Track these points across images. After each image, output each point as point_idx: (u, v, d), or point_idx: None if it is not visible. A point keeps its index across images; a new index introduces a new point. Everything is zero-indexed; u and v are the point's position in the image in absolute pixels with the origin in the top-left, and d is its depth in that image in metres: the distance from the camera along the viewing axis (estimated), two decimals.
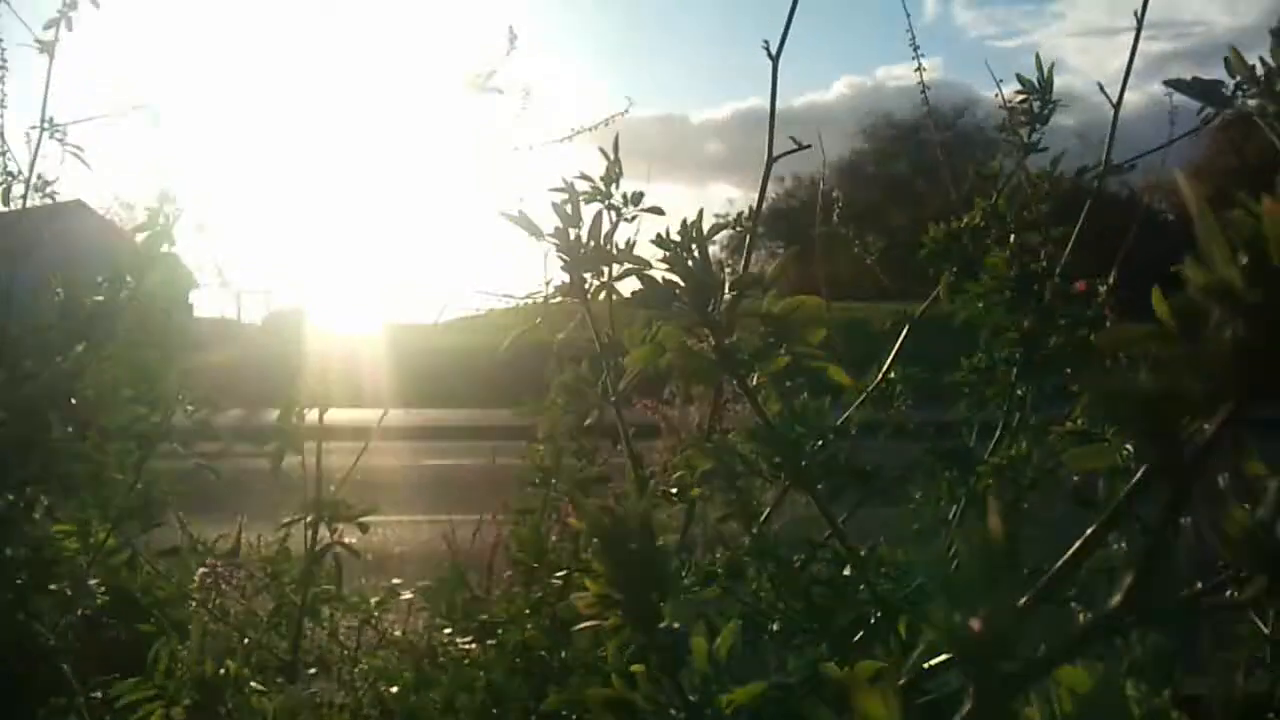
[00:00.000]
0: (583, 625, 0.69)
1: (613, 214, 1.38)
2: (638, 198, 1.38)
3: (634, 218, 1.38)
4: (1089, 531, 0.74)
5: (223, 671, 1.07)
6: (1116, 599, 0.53)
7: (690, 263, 0.81)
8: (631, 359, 0.86)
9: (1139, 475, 0.68)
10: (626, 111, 1.88)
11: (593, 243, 1.22)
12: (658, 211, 1.42)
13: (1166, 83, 1.09)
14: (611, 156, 1.39)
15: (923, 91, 2.31)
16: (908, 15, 2.37)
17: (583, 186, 1.38)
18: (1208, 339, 0.45)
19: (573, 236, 1.22)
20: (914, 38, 2.32)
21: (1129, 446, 0.78)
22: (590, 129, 1.76)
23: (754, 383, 0.83)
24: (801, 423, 0.96)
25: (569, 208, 1.24)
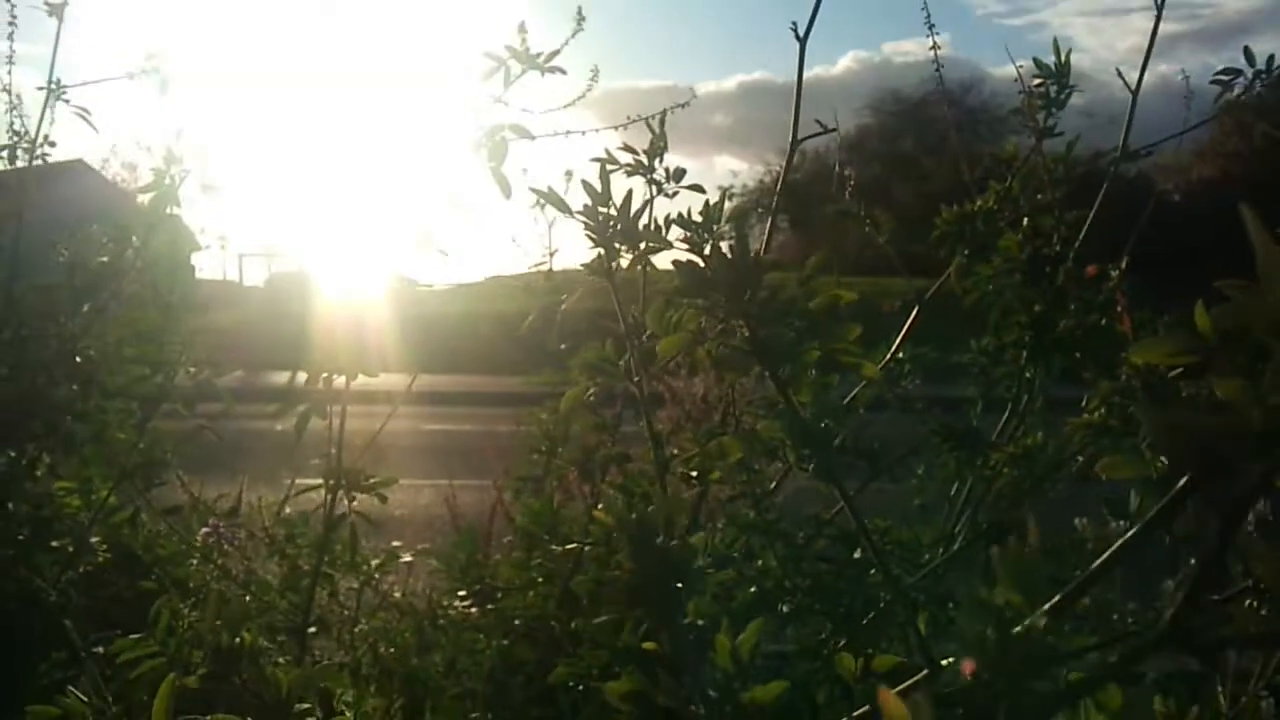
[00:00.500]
0: (603, 619, 0.70)
1: (654, 188, 1.38)
2: (680, 174, 1.38)
3: (675, 194, 1.38)
4: (1118, 542, 0.74)
5: (239, 641, 1.08)
6: (1162, 625, 0.53)
7: (728, 251, 0.81)
8: (662, 348, 0.85)
9: (1174, 491, 0.68)
10: (688, 104, 1.85)
11: (621, 223, 1.22)
12: (698, 189, 1.41)
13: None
14: (657, 130, 1.39)
15: (937, 69, 2.28)
16: None
17: (625, 159, 1.37)
18: (1270, 379, 0.45)
19: (602, 214, 1.22)
20: (929, 16, 2.29)
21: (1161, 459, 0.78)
22: (644, 119, 1.74)
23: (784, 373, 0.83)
24: (831, 415, 0.95)
25: (599, 184, 1.23)
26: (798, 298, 0.78)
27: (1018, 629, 0.49)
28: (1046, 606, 0.65)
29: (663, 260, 1.38)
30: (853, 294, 0.80)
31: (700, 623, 0.71)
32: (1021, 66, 1.95)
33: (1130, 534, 0.75)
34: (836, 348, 0.79)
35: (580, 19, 1.86)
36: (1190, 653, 0.52)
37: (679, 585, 0.69)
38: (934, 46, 2.20)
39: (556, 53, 1.73)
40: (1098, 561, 0.75)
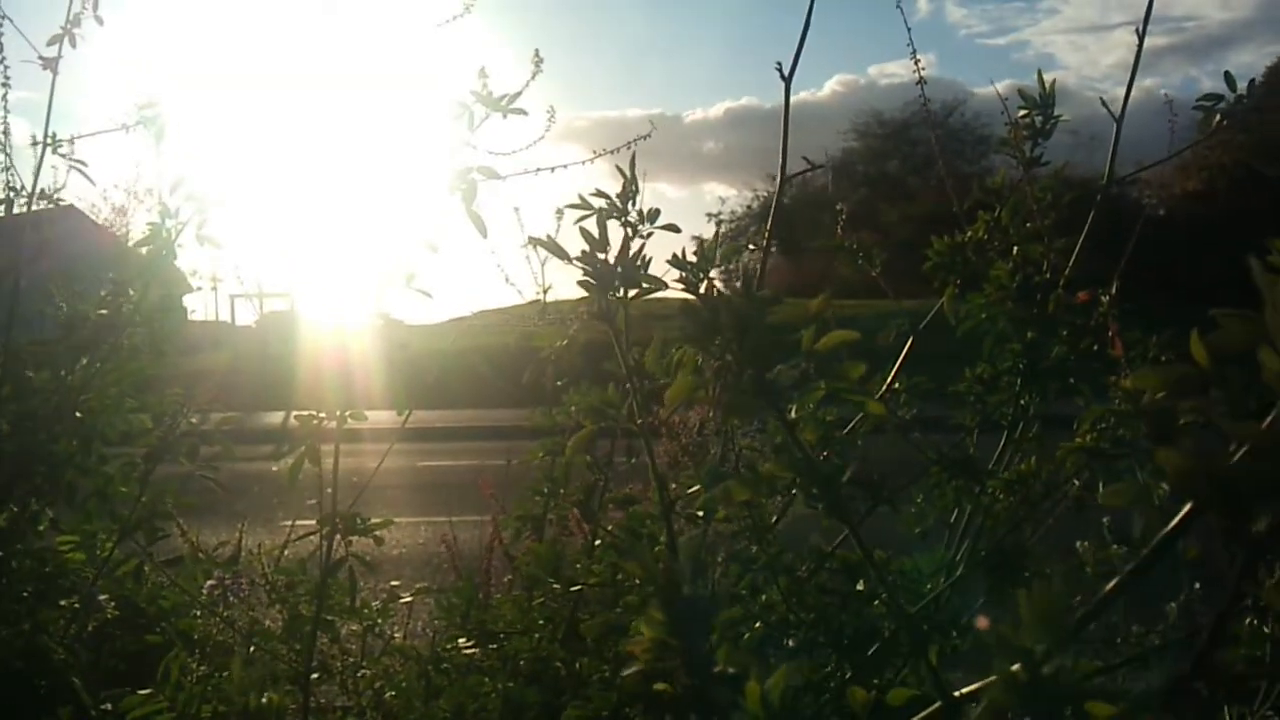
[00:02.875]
0: (631, 671, 0.71)
1: (629, 230, 1.38)
2: (654, 215, 1.39)
3: (650, 235, 1.39)
4: (1126, 570, 0.76)
5: (266, 701, 1.08)
6: (1186, 665, 0.55)
7: (733, 296, 0.83)
8: (671, 393, 0.87)
9: (1180, 518, 0.70)
10: (649, 136, 1.88)
11: (620, 267, 1.23)
12: (673, 229, 1.43)
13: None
14: (629, 174, 1.39)
15: (923, 95, 2.31)
16: (902, 12, 2.38)
17: (598, 203, 1.38)
18: None
19: (601, 259, 1.23)
20: (912, 42, 2.32)
21: (1163, 485, 0.80)
22: (612, 151, 1.76)
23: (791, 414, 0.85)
24: (838, 453, 0.97)
25: (596, 229, 1.25)
26: (803, 339, 0.79)
27: (1047, 669, 0.51)
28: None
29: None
30: (855, 333, 0.82)
31: (732, 671, 0.72)
32: (1007, 99, 1.98)
33: (1137, 562, 0.76)
34: (841, 386, 0.81)
35: (539, 61, 1.90)
36: (1221, 687, 0.53)
37: (710, 634, 0.70)
38: (920, 81, 2.22)
39: (518, 94, 1.76)
40: (1106, 589, 0.77)
